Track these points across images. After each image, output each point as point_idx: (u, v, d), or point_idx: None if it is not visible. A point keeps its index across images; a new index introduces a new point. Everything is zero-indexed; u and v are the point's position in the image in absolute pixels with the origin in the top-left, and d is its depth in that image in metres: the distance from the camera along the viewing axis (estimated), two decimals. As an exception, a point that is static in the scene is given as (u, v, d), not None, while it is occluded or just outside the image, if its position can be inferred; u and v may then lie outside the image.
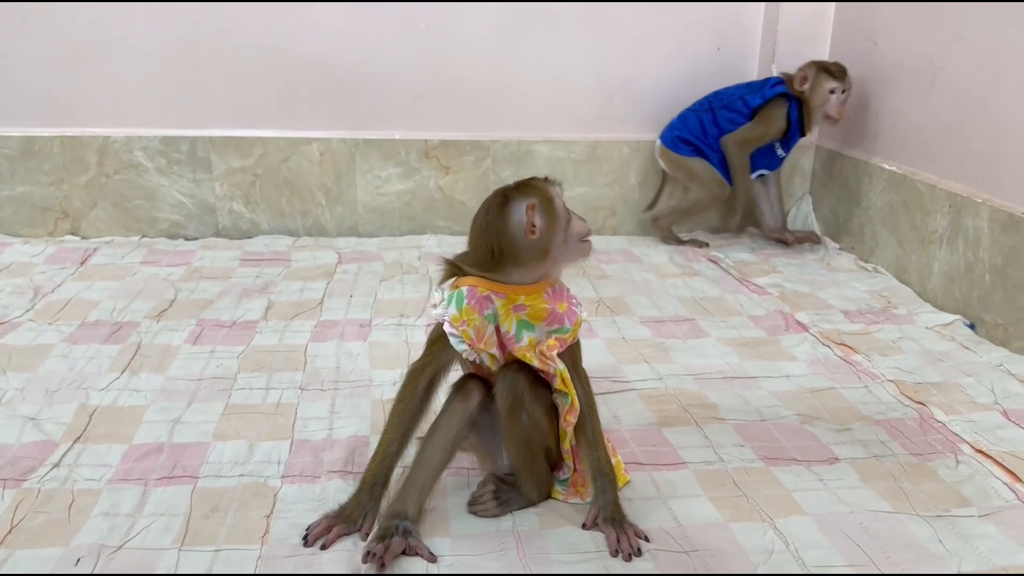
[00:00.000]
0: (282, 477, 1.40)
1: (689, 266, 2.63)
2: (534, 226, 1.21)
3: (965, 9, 2.18)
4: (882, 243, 2.54)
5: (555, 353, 1.26)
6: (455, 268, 1.28)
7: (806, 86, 2.58)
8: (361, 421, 1.58)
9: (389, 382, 1.74)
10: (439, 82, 2.82)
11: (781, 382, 1.82)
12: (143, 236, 2.78)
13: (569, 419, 1.30)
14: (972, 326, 2.12)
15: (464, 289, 1.24)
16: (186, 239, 2.78)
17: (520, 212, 1.21)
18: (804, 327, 2.12)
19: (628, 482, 1.40)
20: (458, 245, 2.75)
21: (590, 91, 2.91)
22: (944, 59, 2.27)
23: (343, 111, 2.79)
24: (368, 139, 2.81)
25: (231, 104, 2.75)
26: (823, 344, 2.01)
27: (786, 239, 2.78)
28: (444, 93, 2.83)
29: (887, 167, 2.51)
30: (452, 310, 1.23)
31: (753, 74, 2.96)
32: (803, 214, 2.96)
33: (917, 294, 2.34)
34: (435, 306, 1.26)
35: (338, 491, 1.35)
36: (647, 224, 3.00)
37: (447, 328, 1.23)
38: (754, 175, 2.75)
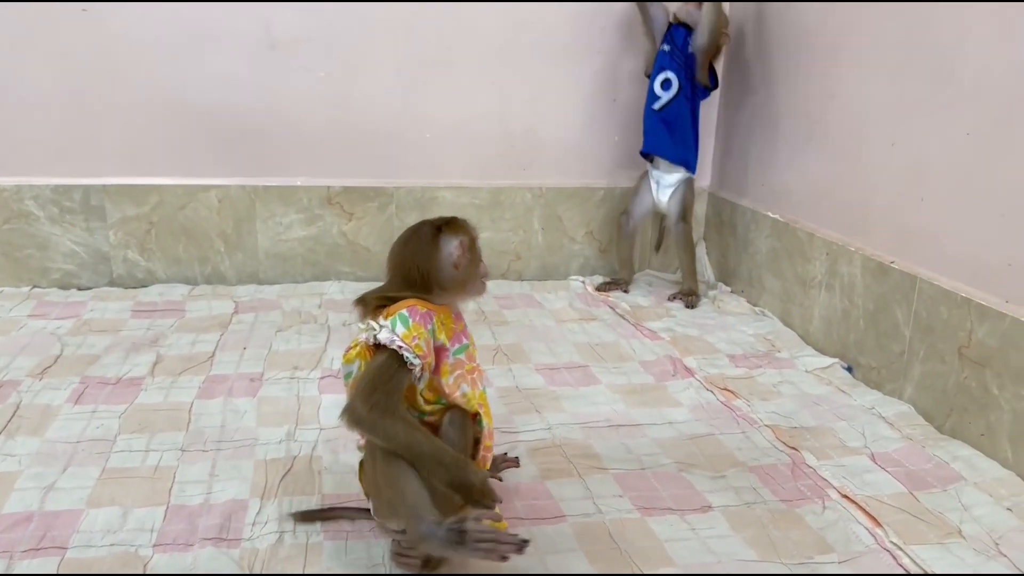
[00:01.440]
0: (154, 546, 1.37)
1: (588, 311, 2.68)
2: (460, 260, 1.33)
3: (837, 68, 2.31)
4: (768, 287, 2.64)
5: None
6: (383, 299, 1.33)
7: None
8: (241, 484, 1.56)
9: (275, 440, 1.73)
10: (342, 129, 2.83)
11: (664, 429, 1.87)
12: (34, 287, 2.70)
13: (489, 444, 1.37)
14: (850, 368, 2.22)
15: (405, 309, 1.28)
16: (79, 289, 2.71)
17: (451, 245, 1.33)
18: (691, 372, 2.19)
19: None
20: (363, 291, 2.77)
21: (493, 139, 2.96)
22: (819, 115, 2.39)
23: (243, 158, 2.78)
24: (268, 186, 2.80)
25: (126, 152, 2.70)
26: (707, 389, 2.08)
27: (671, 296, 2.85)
28: (347, 140, 2.84)
29: (771, 215, 2.63)
30: (400, 329, 1.26)
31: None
32: (697, 259, 3.05)
33: (800, 337, 2.45)
34: (374, 338, 1.26)
35: (210, 559, 1.33)
36: (550, 267, 3.07)
37: (399, 346, 1.24)
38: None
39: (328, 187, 2.84)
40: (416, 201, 2.92)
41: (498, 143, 2.97)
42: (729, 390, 2.08)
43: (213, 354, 2.19)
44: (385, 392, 1.24)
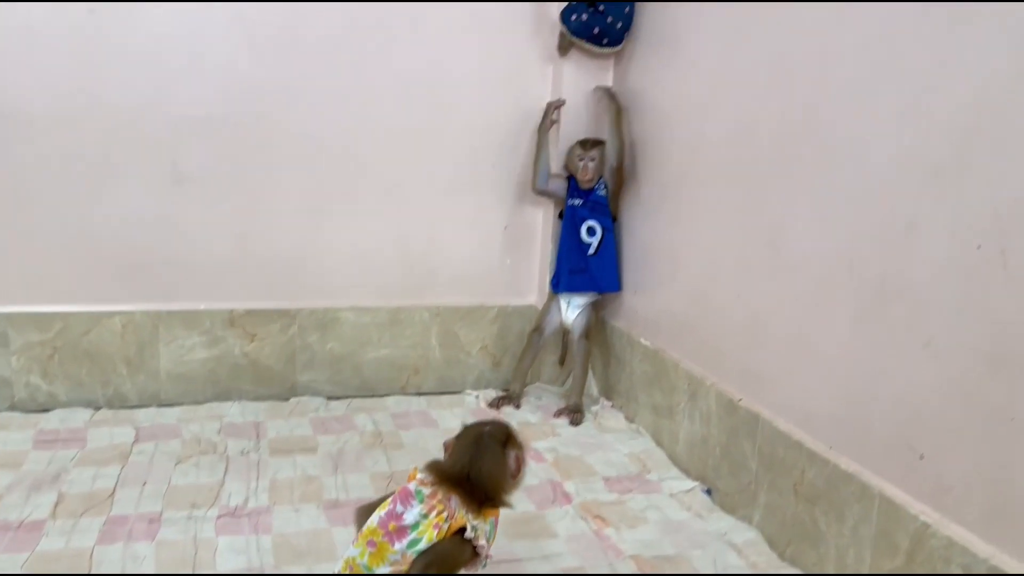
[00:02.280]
0: None
1: (478, 430, 2.86)
2: (516, 473, 1.68)
3: (694, 217, 2.60)
4: (642, 407, 2.89)
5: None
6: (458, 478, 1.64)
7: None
8: (138, 641, 1.67)
9: (172, 590, 1.84)
10: (245, 256, 2.97)
11: (540, 564, 2.05)
12: (-69, 412, 2.73)
13: None
14: (709, 491, 2.46)
15: (494, 517, 1.71)
16: (-23, 414, 2.76)
17: (511, 459, 1.67)
18: (569, 498, 2.39)
19: None
20: (261, 410, 2.91)
21: (392, 262, 3.16)
22: (681, 255, 2.68)
23: (147, 285, 2.89)
24: (172, 311, 2.92)
25: (32, 280, 2.78)
26: (581, 518, 2.28)
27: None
28: (250, 266, 2.99)
29: (643, 342, 2.89)
30: (488, 536, 1.66)
31: (536, 244, 3.31)
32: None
33: (668, 457, 2.69)
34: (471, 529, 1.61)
35: None
36: (447, 381, 3.26)
37: (487, 555, 1.65)
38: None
39: (231, 310, 2.97)
40: (318, 322, 3.08)
41: (397, 267, 3.16)
42: (601, 517, 2.29)
43: (114, 491, 2.27)
44: None
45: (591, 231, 2.98)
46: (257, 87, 2.84)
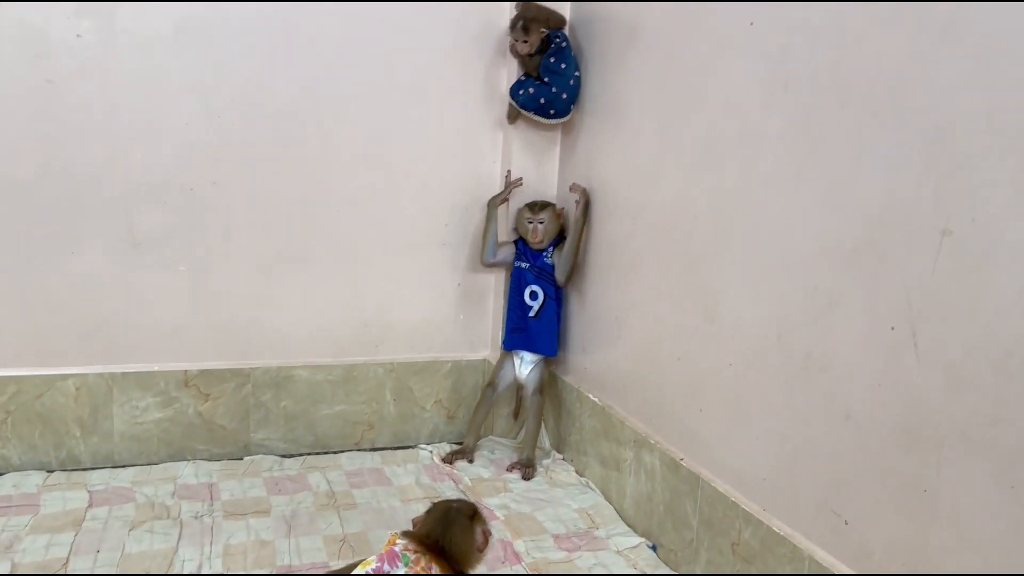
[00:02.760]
0: None
1: (433, 487, 2.93)
2: (483, 546, 1.84)
3: (637, 283, 2.71)
4: (592, 461, 2.97)
5: None
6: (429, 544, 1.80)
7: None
8: None
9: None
10: (200, 317, 3.01)
11: (487, 627, 2.12)
12: None
13: None
14: (654, 547, 2.54)
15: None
16: (-74, 479, 2.75)
17: (478, 534, 1.85)
18: (519, 557, 2.46)
19: None
20: (215, 471, 2.93)
21: (346, 320, 3.22)
22: (625, 318, 2.78)
23: (102, 347, 2.91)
24: (126, 372, 2.94)
25: (-17, 344, 2.80)
26: (530, 579, 2.35)
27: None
28: (205, 327, 3.02)
29: (592, 397, 2.98)
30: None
31: (489, 300, 3.40)
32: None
33: (616, 512, 2.77)
34: None
35: None
36: (401, 435, 3.31)
37: None
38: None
39: (186, 370, 3.01)
40: (272, 380, 3.12)
41: (351, 324, 3.22)
42: (549, 577, 2.36)
43: (67, 560, 2.29)
44: None
45: (534, 295, 3.08)
46: (213, 152, 2.90)
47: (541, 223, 3.03)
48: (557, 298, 3.12)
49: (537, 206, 3.07)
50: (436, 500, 1.95)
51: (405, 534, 1.81)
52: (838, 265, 1.86)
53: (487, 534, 1.86)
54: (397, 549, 1.76)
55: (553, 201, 3.14)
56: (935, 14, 1.62)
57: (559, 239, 3.09)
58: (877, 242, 1.76)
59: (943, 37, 1.61)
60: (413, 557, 1.74)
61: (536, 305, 3.08)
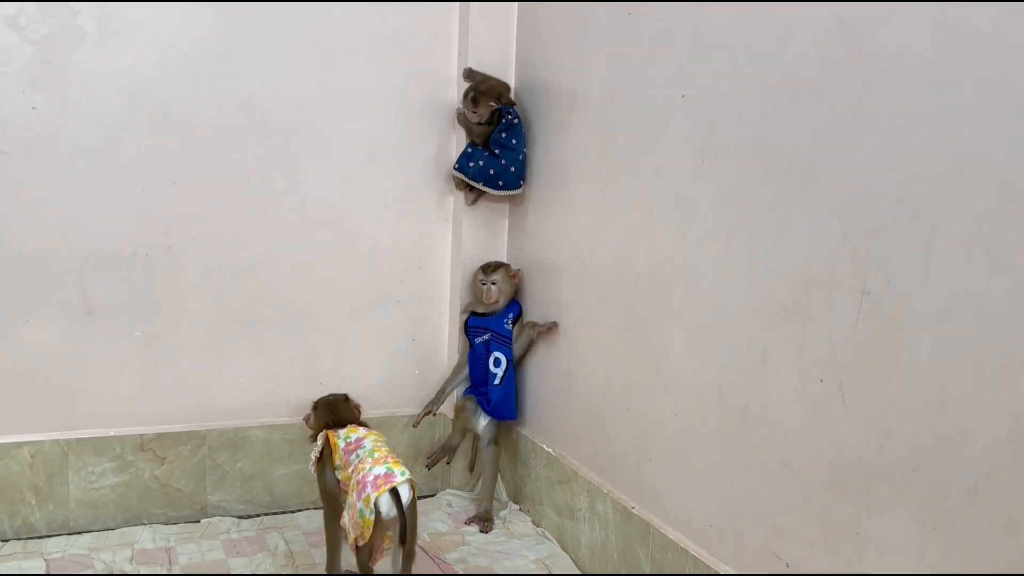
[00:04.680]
0: None
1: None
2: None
3: (584, 341, 2.81)
4: (548, 511, 3.05)
5: None
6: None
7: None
8: None
9: None
10: (154, 381, 3.03)
11: None
12: None
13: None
14: (609, 595, 2.62)
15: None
16: None
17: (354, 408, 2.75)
18: (478, 611, 2.52)
19: None
20: (172, 534, 2.94)
21: (301, 379, 3.25)
22: (576, 374, 2.88)
23: (56, 414, 2.91)
24: (82, 438, 2.94)
25: (-66, 416, 2.78)
26: (489, 632, 2.41)
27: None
28: (159, 391, 3.04)
29: (546, 448, 3.06)
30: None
31: (444, 354, 3.48)
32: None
33: (573, 561, 2.84)
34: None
35: None
36: (358, 491, 3.34)
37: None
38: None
39: (141, 435, 3.02)
40: (228, 441, 3.14)
41: (306, 383, 3.24)
42: (507, 630, 2.41)
43: (23, 635, 2.28)
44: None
45: (497, 362, 3.14)
46: (166, 220, 2.95)
47: (494, 283, 3.13)
48: (519, 364, 3.18)
49: (490, 267, 3.16)
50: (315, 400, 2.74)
51: (328, 432, 2.54)
52: (769, 322, 1.99)
53: (359, 408, 2.75)
54: (340, 443, 2.45)
55: (506, 262, 3.24)
56: (847, 95, 1.77)
57: (517, 307, 3.17)
58: (803, 301, 1.90)
59: (855, 115, 1.76)
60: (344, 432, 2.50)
61: (500, 372, 3.13)
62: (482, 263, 3.21)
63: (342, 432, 2.50)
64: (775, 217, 1.96)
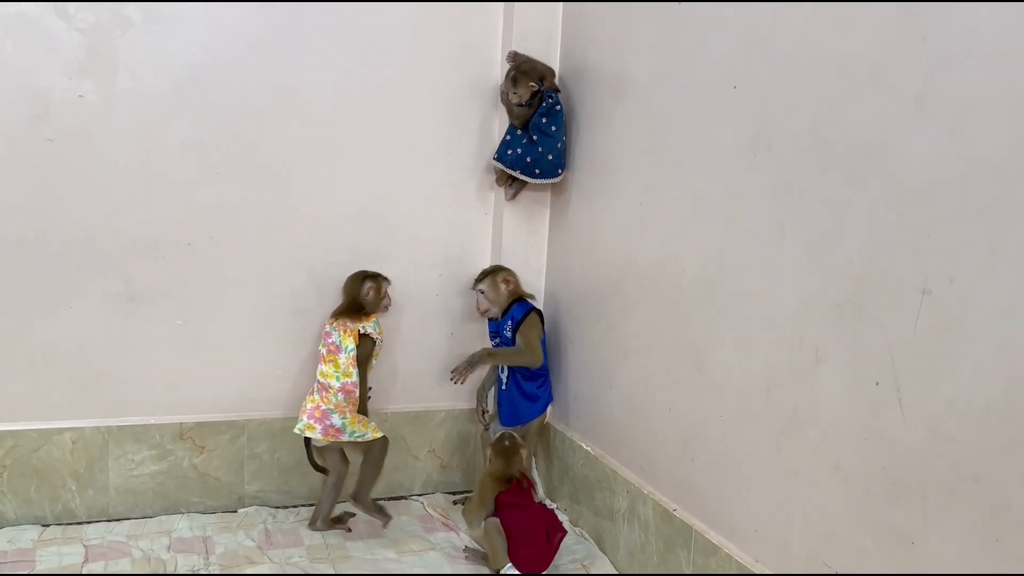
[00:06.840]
0: None
1: (426, 538, 2.93)
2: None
3: (627, 335, 2.75)
4: (585, 511, 2.99)
5: None
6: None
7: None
8: None
9: None
10: (195, 369, 3.04)
11: None
12: None
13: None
14: (648, 598, 2.56)
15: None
16: (-80, 536, 2.74)
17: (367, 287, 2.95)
18: (513, 610, 2.47)
19: None
20: (210, 524, 2.94)
21: (339, 370, 3.24)
22: (617, 371, 2.82)
23: (98, 400, 2.93)
24: (122, 426, 2.96)
25: (-21, 399, 2.82)
26: (525, 631, 2.36)
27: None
28: (200, 379, 3.05)
29: (584, 447, 3.01)
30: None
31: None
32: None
33: (611, 562, 2.78)
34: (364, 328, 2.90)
35: None
36: (395, 485, 3.32)
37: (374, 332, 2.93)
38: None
39: (181, 423, 3.03)
40: (267, 431, 3.14)
41: (345, 375, 3.24)
42: (544, 630, 2.37)
43: (61, 619, 2.29)
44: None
45: (503, 367, 3.13)
46: (208, 209, 2.95)
47: (482, 292, 3.09)
48: (521, 371, 3.10)
49: (479, 277, 3.12)
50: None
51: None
52: (822, 321, 1.92)
53: (372, 288, 2.98)
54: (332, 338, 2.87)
55: (497, 266, 3.17)
56: (910, 83, 1.69)
57: (520, 312, 3.05)
58: (859, 299, 1.82)
59: (918, 104, 1.68)
60: (336, 324, 2.87)
61: (504, 377, 3.13)
62: (520, 257, 3.17)
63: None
64: (831, 211, 1.89)
